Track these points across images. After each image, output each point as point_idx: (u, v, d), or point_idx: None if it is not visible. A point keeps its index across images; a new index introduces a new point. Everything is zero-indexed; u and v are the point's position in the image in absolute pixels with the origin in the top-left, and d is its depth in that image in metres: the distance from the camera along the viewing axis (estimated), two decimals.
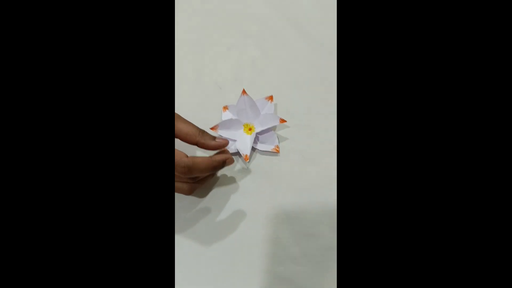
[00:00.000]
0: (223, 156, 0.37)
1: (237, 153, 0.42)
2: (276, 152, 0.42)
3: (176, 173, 0.34)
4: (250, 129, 0.43)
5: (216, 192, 0.41)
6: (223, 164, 0.37)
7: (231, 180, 0.42)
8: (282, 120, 0.42)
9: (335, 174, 0.40)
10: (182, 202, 0.40)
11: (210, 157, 0.36)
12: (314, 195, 0.40)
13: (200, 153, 0.43)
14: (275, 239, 0.39)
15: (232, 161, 0.38)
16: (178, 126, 0.36)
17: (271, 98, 0.44)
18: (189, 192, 0.37)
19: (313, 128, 0.45)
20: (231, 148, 0.42)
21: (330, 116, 0.45)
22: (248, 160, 0.42)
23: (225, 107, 0.45)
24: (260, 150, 0.43)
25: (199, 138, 0.36)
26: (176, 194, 0.37)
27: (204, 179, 0.38)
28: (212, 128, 0.42)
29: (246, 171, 0.42)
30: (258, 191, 0.41)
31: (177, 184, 0.36)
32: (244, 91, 0.42)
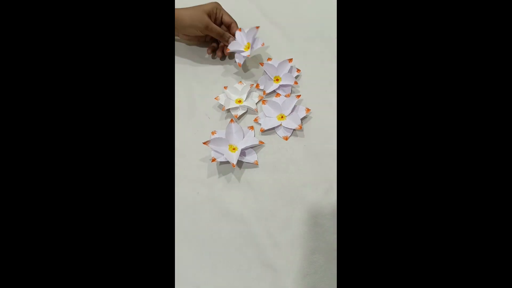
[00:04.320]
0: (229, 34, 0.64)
1: (227, 162, 0.54)
2: (255, 165, 0.55)
3: (193, 29, 0.61)
4: (234, 149, 0.55)
5: (209, 193, 0.53)
6: (228, 37, 0.63)
7: (222, 186, 0.53)
8: (261, 142, 0.55)
9: (299, 178, 0.53)
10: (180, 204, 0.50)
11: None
12: (284, 196, 0.52)
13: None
14: (254, 233, 0.49)
15: (227, 50, 0.64)
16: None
17: (251, 127, 0.58)
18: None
19: (280, 144, 0.57)
20: (221, 158, 0.53)
21: (294, 137, 0.58)
22: (234, 167, 0.53)
23: (213, 132, 0.57)
24: (244, 162, 0.55)
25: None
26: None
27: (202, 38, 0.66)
28: (204, 143, 0.53)
29: (233, 179, 0.54)
30: (243, 195, 0.53)
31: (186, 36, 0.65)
32: (232, 120, 0.55)
